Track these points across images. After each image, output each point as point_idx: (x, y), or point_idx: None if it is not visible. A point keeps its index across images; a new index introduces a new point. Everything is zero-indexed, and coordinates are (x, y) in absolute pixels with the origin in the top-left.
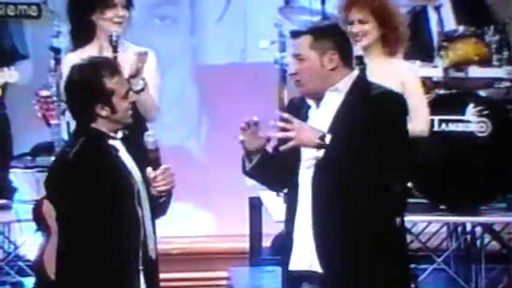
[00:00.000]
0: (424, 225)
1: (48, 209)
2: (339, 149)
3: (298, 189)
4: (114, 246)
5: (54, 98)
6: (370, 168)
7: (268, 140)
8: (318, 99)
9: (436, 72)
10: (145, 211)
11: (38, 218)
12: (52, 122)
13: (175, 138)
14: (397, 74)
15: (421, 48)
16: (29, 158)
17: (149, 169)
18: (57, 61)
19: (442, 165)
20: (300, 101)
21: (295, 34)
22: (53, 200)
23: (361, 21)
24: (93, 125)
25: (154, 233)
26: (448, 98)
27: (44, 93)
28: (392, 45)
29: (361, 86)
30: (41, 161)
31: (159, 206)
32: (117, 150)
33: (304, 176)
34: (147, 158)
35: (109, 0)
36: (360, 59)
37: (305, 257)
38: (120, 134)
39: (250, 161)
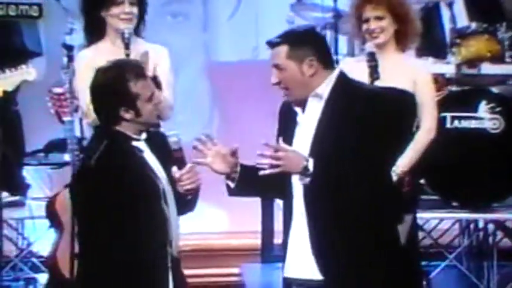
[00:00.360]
0: (436, 222)
1: (62, 205)
2: (326, 160)
3: (292, 196)
4: (143, 247)
5: (67, 95)
6: (363, 169)
7: (234, 153)
8: (303, 105)
9: (448, 68)
10: (172, 209)
11: (51, 214)
12: (65, 118)
13: (187, 135)
14: (409, 72)
15: (433, 44)
16: (42, 154)
17: (174, 168)
18: (70, 58)
19: (455, 162)
20: (290, 106)
21: (271, 44)
22: (79, 207)
23: (378, 18)
24: (117, 127)
25: (179, 233)
26: (461, 95)
27: (57, 90)
28: (406, 40)
29: (343, 86)
30: (53, 157)
31: (186, 203)
32: (141, 151)
33: (297, 182)
34: (171, 157)
35: None
36: (372, 56)
37: (301, 265)
38: (144, 135)
39: (232, 180)
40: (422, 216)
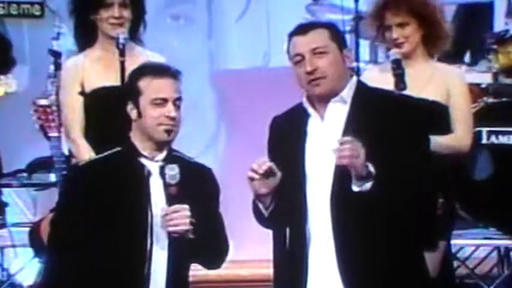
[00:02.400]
0: (472, 249)
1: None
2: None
3: (305, 213)
4: (109, 272)
5: (54, 108)
6: (396, 185)
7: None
8: (323, 109)
9: (484, 78)
10: (159, 248)
11: (36, 242)
12: (51, 134)
13: (191, 150)
14: (441, 81)
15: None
16: (24, 174)
17: (164, 206)
18: (57, 66)
19: (491, 182)
20: (288, 118)
21: (308, 27)
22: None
23: (400, 25)
24: (130, 134)
25: (171, 274)
26: (498, 107)
27: (42, 102)
28: (436, 45)
29: (367, 93)
30: (38, 177)
31: (201, 252)
32: (149, 174)
33: (316, 200)
34: (165, 191)
35: None
36: (398, 63)
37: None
38: (161, 156)
39: (266, 207)
40: (456, 242)
